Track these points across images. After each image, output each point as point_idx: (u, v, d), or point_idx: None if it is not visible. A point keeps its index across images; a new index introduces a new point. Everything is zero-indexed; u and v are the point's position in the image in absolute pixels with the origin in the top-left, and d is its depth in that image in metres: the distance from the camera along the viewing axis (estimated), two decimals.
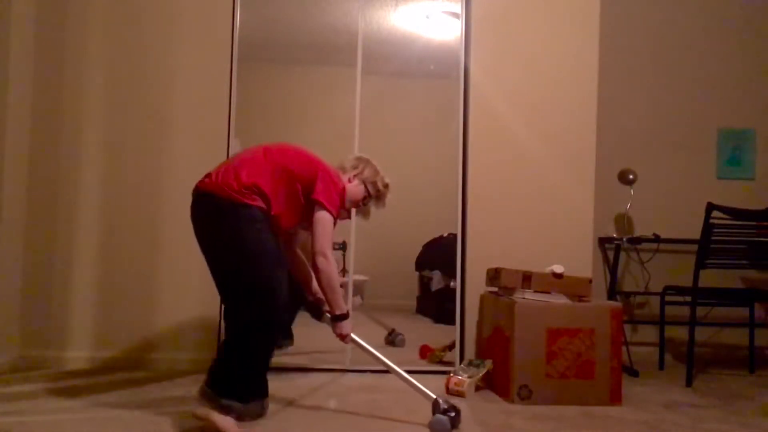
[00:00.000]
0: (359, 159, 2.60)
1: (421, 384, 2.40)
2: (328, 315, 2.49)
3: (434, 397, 2.38)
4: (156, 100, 3.34)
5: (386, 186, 2.59)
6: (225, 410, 2.16)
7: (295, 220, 2.39)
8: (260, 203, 2.23)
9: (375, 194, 2.57)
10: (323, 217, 2.32)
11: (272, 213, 2.27)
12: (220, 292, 2.35)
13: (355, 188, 2.54)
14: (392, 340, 3.62)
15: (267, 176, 2.28)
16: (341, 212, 2.49)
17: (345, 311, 2.46)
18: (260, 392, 2.28)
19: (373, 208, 2.63)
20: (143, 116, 3.33)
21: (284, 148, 2.41)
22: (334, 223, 2.36)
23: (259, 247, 2.20)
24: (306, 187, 2.34)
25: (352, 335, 2.51)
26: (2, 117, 3.10)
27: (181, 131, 3.33)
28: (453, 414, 2.33)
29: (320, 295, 2.52)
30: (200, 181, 2.30)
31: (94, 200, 3.30)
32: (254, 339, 2.21)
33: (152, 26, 3.36)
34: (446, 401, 2.37)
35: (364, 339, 2.57)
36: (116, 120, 3.32)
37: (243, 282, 2.21)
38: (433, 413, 2.35)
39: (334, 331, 2.50)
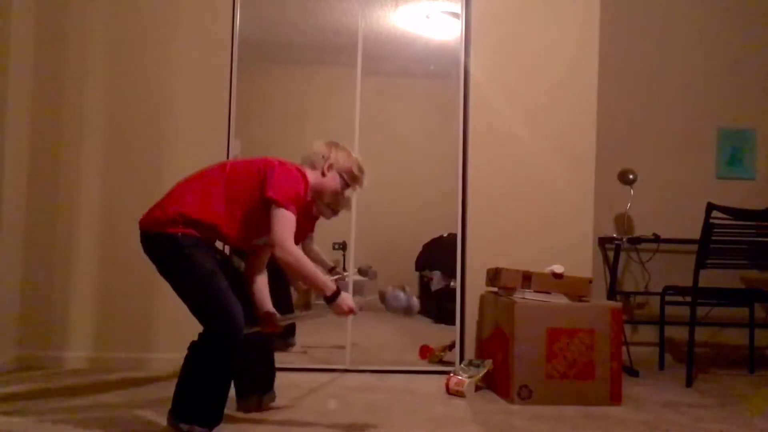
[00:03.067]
0: (329, 146, 2.41)
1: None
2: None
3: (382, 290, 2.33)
4: (156, 100, 3.34)
5: (361, 170, 2.39)
6: None
7: (254, 232, 2.27)
8: (188, 230, 2.16)
9: (351, 181, 2.39)
10: (277, 214, 2.14)
11: (222, 232, 2.20)
12: None
13: (331, 180, 2.36)
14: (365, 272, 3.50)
15: (199, 200, 2.19)
16: (320, 207, 2.38)
17: (335, 288, 2.22)
18: (209, 420, 2.13)
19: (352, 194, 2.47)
20: (143, 116, 3.33)
21: (224, 163, 2.35)
22: (297, 218, 2.19)
23: (194, 272, 2.14)
24: (260, 193, 2.20)
25: (361, 301, 2.34)
26: (2, 116, 3.10)
27: (181, 131, 3.33)
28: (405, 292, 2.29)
29: (267, 308, 2.41)
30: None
31: (94, 200, 3.30)
32: (215, 357, 2.12)
33: (152, 26, 3.36)
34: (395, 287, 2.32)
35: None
36: (116, 119, 3.32)
37: (196, 308, 2.17)
38: (385, 296, 2.29)
39: (337, 313, 2.24)
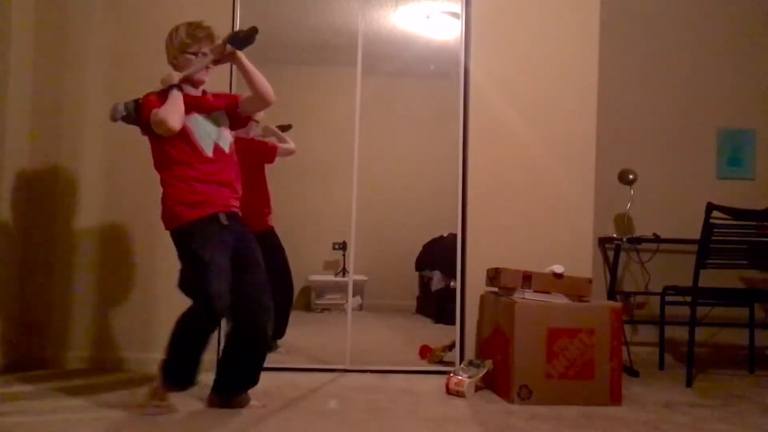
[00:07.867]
0: (166, 41, 2.62)
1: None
2: None
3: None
4: None
5: (188, 31, 2.60)
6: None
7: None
8: (183, 216, 2.47)
9: (194, 47, 2.59)
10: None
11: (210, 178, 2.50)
12: None
13: (183, 65, 2.57)
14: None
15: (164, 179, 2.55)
16: (185, 88, 2.55)
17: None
18: (182, 381, 2.47)
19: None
20: None
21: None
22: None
23: (194, 261, 2.50)
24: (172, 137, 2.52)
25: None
26: (2, 116, 3.10)
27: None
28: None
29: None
30: None
31: (93, 200, 3.30)
32: (192, 328, 2.48)
33: (152, 26, 3.35)
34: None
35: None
36: None
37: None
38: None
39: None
